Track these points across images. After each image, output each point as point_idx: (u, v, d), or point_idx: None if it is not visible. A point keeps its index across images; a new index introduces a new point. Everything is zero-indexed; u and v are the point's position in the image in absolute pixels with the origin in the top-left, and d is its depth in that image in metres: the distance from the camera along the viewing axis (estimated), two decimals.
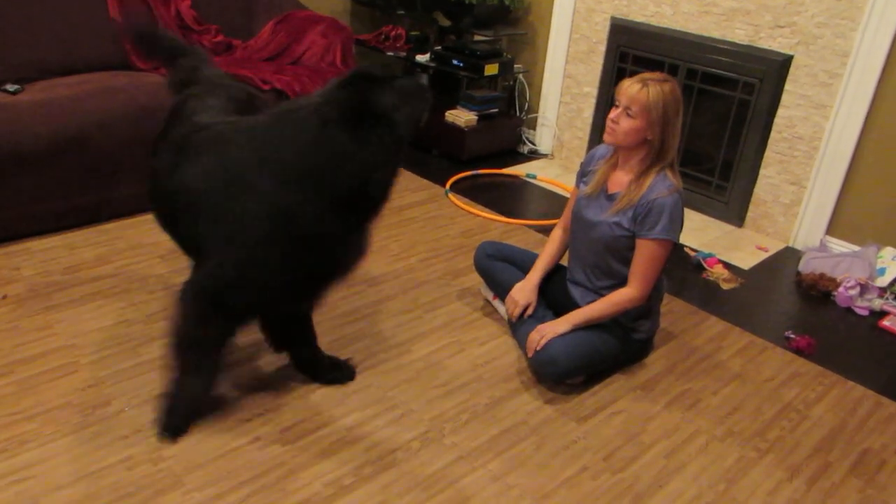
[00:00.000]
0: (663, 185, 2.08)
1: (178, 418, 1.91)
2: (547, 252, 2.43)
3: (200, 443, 1.89)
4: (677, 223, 2.10)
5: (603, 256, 2.21)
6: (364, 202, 1.72)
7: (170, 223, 1.95)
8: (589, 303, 2.23)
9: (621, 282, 2.19)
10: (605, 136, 2.12)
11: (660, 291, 2.29)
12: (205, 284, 1.78)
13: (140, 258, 2.75)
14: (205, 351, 1.88)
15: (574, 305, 2.28)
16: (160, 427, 1.89)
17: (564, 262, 2.45)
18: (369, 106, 1.65)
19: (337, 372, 2.16)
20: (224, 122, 1.87)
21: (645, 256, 2.11)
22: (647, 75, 2.07)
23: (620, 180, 2.17)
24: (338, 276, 1.83)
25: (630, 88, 2.03)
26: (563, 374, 2.15)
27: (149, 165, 2.02)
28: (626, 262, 2.17)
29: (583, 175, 2.32)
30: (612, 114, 2.08)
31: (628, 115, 2.04)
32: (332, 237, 1.73)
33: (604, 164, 2.23)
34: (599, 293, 2.24)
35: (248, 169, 1.68)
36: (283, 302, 1.87)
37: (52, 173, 2.75)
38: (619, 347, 2.25)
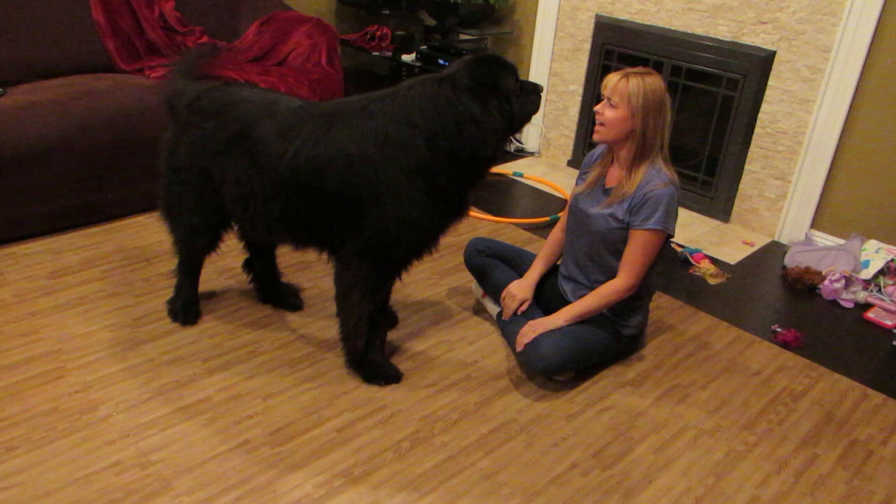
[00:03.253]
0: (658, 177, 2.10)
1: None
2: (546, 251, 2.43)
3: (189, 447, 1.88)
4: (672, 215, 2.12)
5: (596, 249, 2.22)
6: (476, 165, 1.96)
7: (278, 204, 2.01)
8: (580, 297, 2.24)
9: (612, 276, 2.20)
10: (595, 136, 2.15)
11: (650, 288, 2.30)
12: (370, 244, 1.97)
13: (126, 262, 2.73)
14: (378, 299, 2.10)
15: (565, 304, 2.28)
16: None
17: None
18: (495, 81, 1.90)
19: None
20: (335, 101, 2.05)
21: (637, 246, 2.12)
22: (630, 69, 2.11)
23: (616, 174, 2.19)
24: (445, 231, 2.06)
25: (611, 79, 2.09)
26: (553, 370, 2.16)
27: (231, 164, 2.06)
28: (619, 255, 2.17)
29: (582, 175, 2.34)
30: (597, 106, 2.12)
31: (611, 105, 2.08)
32: (453, 193, 1.97)
33: (600, 161, 2.25)
34: (591, 288, 2.25)
35: (398, 132, 1.88)
36: (423, 251, 2.07)
37: (36, 177, 2.72)
38: (609, 343, 2.26)
